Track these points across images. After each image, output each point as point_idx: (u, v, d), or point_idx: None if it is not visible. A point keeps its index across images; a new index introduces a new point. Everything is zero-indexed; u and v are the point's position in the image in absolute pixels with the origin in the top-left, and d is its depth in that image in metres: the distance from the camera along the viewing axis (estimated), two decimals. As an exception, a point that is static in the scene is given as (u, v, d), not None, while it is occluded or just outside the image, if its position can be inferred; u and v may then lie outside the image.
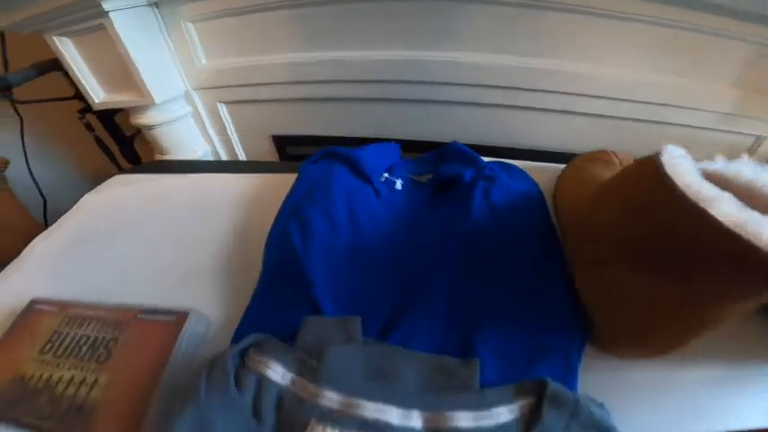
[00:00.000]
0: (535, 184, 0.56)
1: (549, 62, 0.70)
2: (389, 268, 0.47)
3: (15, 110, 0.99)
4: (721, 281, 0.27)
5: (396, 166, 0.61)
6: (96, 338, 0.42)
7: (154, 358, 0.39)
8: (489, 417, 0.31)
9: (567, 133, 0.80)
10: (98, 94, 0.89)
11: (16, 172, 1.06)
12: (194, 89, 0.92)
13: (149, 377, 0.38)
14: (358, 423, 0.30)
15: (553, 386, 0.31)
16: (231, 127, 0.99)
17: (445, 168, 0.57)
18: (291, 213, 0.53)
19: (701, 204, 0.25)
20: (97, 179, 0.77)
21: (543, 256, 0.45)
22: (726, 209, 0.24)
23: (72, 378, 0.39)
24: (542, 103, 0.76)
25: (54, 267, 0.60)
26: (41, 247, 0.65)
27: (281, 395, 0.32)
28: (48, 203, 1.13)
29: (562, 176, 0.55)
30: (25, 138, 1.05)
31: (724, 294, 0.28)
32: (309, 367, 0.33)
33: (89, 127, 1.08)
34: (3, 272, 0.60)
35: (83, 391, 0.38)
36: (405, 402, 0.31)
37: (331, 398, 0.32)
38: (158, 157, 1.00)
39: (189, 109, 0.95)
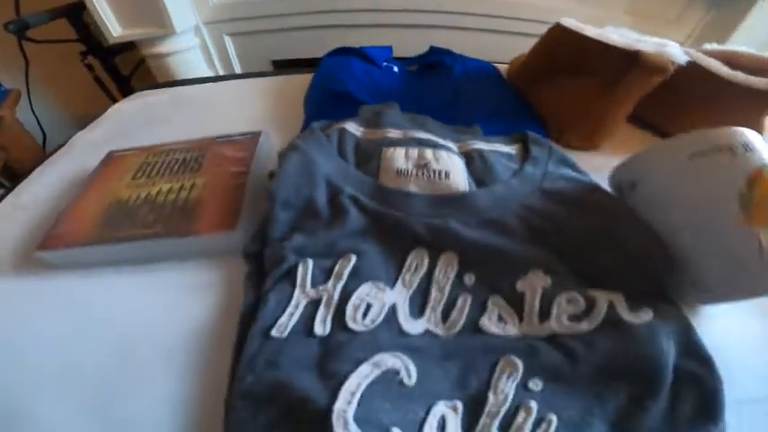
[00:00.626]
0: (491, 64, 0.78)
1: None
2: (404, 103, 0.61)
3: (23, 52, 1.03)
4: (608, 72, 0.51)
5: (390, 59, 0.80)
6: (185, 158, 0.50)
7: (239, 164, 0.47)
8: (497, 147, 0.46)
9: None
10: (115, 29, 0.95)
11: (19, 109, 1.09)
12: (204, 24, 1.00)
13: (237, 177, 0.46)
14: (416, 142, 0.43)
15: (533, 134, 0.47)
16: (234, 56, 1.06)
17: (428, 58, 0.78)
18: (325, 80, 0.67)
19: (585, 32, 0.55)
20: (95, 118, 0.83)
21: (505, 91, 0.67)
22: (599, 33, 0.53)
23: (170, 188, 0.45)
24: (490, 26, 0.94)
25: (104, 147, 0.66)
26: (85, 138, 0.71)
27: (357, 141, 0.44)
28: (47, 138, 1.16)
29: (510, 66, 0.77)
30: (29, 79, 1.08)
31: (608, 82, 0.51)
32: (373, 122, 0.46)
33: (89, 67, 1.12)
34: (48, 160, 0.66)
35: (183, 194, 0.44)
36: (442, 135, 0.45)
37: (393, 132, 0.44)
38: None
39: (197, 41, 1.02)
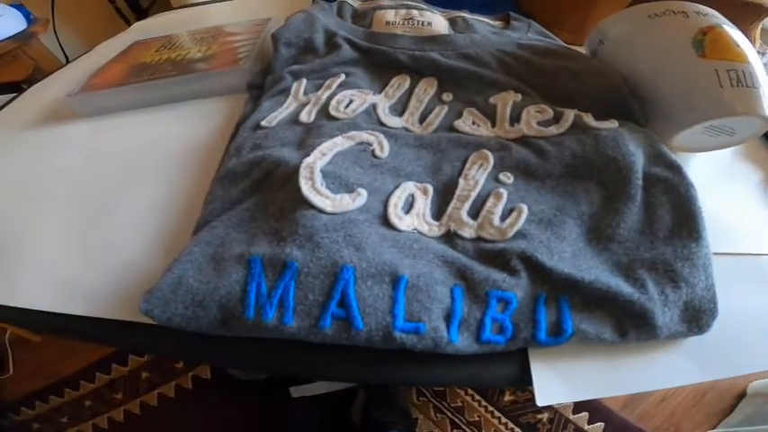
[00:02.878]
0: None
1: None
2: None
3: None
4: None
5: None
6: (202, 37, 0.56)
7: (250, 36, 0.53)
8: (482, 19, 0.48)
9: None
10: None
11: (45, 37, 1.17)
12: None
13: (249, 42, 0.51)
14: (405, 6, 0.46)
15: (514, 14, 0.49)
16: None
17: None
18: None
19: None
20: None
21: None
22: None
23: (189, 51, 0.52)
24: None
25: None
26: (109, 44, 0.77)
27: (355, 10, 0.48)
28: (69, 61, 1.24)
29: None
30: (55, 10, 1.15)
31: None
32: None
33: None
34: (76, 60, 0.72)
35: (199, 54, 0.50)
36: (430, 8, 0.48)
37: (387, 2, 0.48)
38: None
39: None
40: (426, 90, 0.39)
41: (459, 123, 0.34)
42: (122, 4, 1.21)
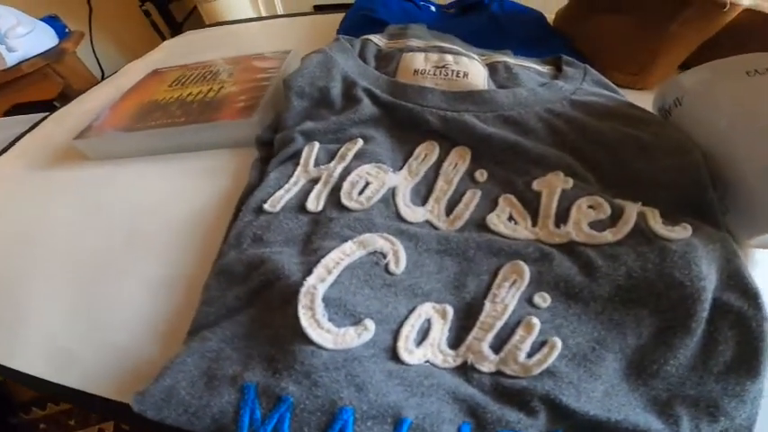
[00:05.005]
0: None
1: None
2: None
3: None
4: (662, 10, 0.45)
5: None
6: (219, 69, 0.52)
7: (267, 73, 0.48)
8: (527, 64, 0.42)
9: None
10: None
11: (82, 51, 1.18)
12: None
13: (263, 82, 0.47)
14: (438, 49, 0.41)
15: (566, 57, 0.43)
16: (278, 2, 1.08)
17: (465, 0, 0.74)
18: (359, 9, 0.67)
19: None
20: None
21: (545, 31, 0.62)
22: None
23: (200, 90, 0.47)
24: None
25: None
26: (136, 65, 0.75)
27: (379, 49, 0.43)
28: (104, 76, 1.25)
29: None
30: (92, 24, 1.16)
31: (661, 19, 0.46)
32: (397, 35, 0.46)
33: (147, 13, 1.19)
34: (102, 82, 0.71)
35: (210, 94, 0.46)
36: (467, 49, 0.43)
37: (416, 43, 0.43)
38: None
39: (244, -17, 1.04)
40: (457, 166, 0.32)
41: (492, 219, 0.28)
42: (158, 17, 1.21)
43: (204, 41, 0.84)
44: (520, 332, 0.22)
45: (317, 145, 0.34)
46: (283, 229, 0.27)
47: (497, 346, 0.22)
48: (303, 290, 0.22)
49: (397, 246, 0.25)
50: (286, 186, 0.30)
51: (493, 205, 0.29)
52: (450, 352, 0.22)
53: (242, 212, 0.29)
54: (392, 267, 0.25)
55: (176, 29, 1.23)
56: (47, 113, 0.61)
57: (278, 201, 0.29)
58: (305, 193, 0.30)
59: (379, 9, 0.65)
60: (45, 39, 1.02)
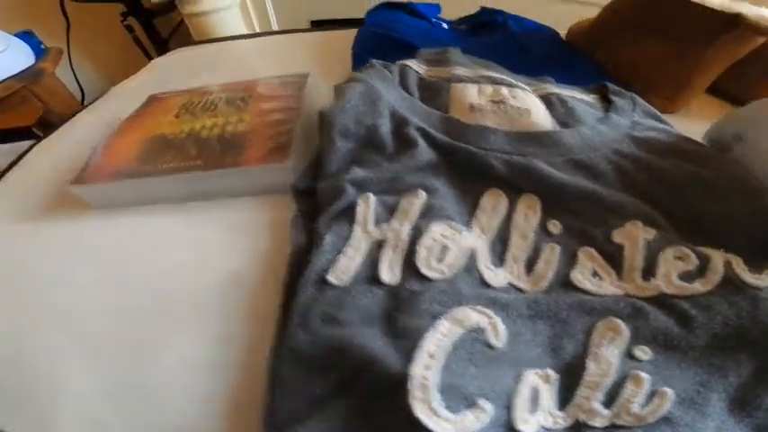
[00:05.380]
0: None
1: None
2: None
3: (64, 13, 1.03)
4: (699, 34, 0.46)
5: (438, 17, 0.75)
6: (230, 97, 0.46)
7: (286, 101, 0.43)
8: (575, 94, 0.40)
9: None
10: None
11: (59, 69, 1.10)
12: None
13: (286, 113, 0.42)
14: (488, 80, 0.38)
15: (613, 86, 0.41)
16: (273, 15, 1.03)
17: (477, 18, 0.72)
18: (377, 29, 0.63)
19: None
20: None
21: (568, 51, 0.61)
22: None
23: (215, 123, 0.42)
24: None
25: (145, 94, 0.64)
26: (124, 87, 0.69)
27: (421, 78, 0.40)
28: (85, 96, 1.17)
29: (573, 27, 0.71)
30: (70, 40, 1.08)
31: (698, 44, 0.46)
32: (436, 61, 0.43)
33: (129, 29, 1.11)
34: (88, 107, 0.64)
35: (229, 128, 0.41)
36: (514, 78, 0.40)
37: (461, 70, 0.40)
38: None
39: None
40: (527, 217, 0.29)
41: (577, 276, 0.26)
42: (141, 33, 1.14)
43: (197, 60, 0.78)
44: (630, 387, 0.22)
45: (372, 198, 0.29)
46: (358, 307, 0.24)
47: (607, 402, 0.22)
48: (415, 382, 0.20)
49: (494, 318, 0.24)
50: (347, 252, 0.26)
51: (572, 259, 0.28)
52: (560, 413, 0.22)
53: (302, 285, 0.25)
54: (493, 341, 0.23)
55: (162, 45, 1.17)
56: (31, 142, 0.54)
57: (343, 271, 0.25)
58: (372, 260, 0.26)
59: (398, 28, 0.62)
60: (20, 57, 0.91)
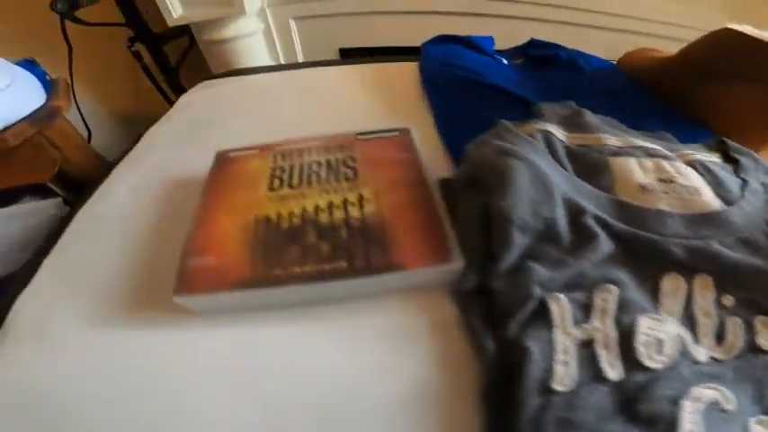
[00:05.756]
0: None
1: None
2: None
3: (66, 38, 0.93)
4: None
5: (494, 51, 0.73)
6: (329, 161, 0.41)
7: (405, 171, 0.39)
8: (705, 156, 0.39)
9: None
10: (176, 10, 0.85)
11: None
12: (268, 6, 0.90)
13: (412, 188, 0.37)
14: (643, 151, 0.37)
15: (731, 143, 0.40)
16: (298, 43, 0.97)
17: (536, 51, 0.69)
18: (443, 66, 0.61)
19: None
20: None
21: (641, 92, 0.59)
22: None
23: (330, 202, 0.36)
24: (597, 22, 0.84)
25: (187, 141, 0.58)
26: (161, 133, 0.62)
27: (567, 147, 0.37)
28: (91, 134, 1.06)
29: (625, 61, 0.69)
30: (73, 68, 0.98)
31: None
32: (574, 124, 0.40)
33: (137, 56, 1.03)
34: (129, 156, 0.58)
35: (353, 211, 0.35)
36: (653, 142, 0.39)
37: (611, 139, 0.38)
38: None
39: (261, 26, 0.93)
40: (704, 296, 0.30)
41: (761, 341, 0.28)
42: (149, 60, 1.05)
43: (233, 97, 0.72)
44: None
45: (563, 299, 0.28)
46: (591, 406, 0.25)
47: None
48: None
49: (720, 388, 0.26)
50: (560, 358, 0.26)
51: (750, 328, 0.29)
52: None
53: (522, 397, 0.25)
54: (728, 407, 0.25)
55: (171, 75, 1.08)
56: (55, 203, 0.47)
57: (564, 377, 0.26)
58: (588, 361, 0.27)
59: (471, 66, 0.59)
60: (30, 93, 0.76)
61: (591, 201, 0.32)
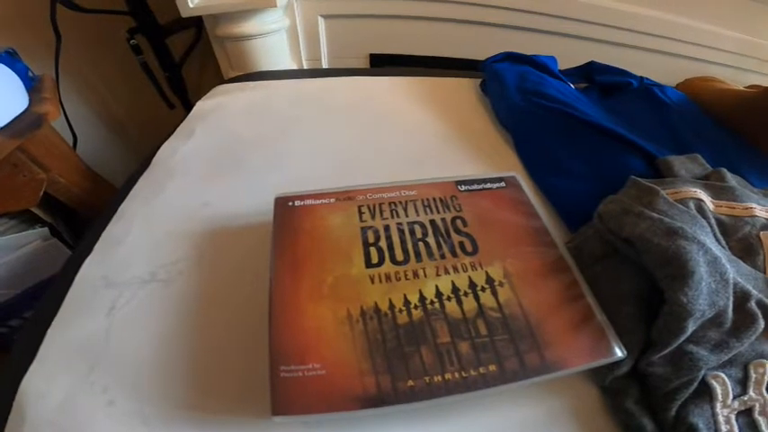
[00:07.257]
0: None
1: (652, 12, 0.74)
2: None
3: (54, 26, 0.80)
4: None
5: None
6: (433, 222, 0.33)
7: (527, 234, 0.33)
8: None
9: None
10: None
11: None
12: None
13: (543, 256, 0.31)
14: None
15: None
16: (324, 47, 0.87)
17: (604, 77, 0.64)
18: (525, 94, 0.54)
19: None
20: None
21: (720, 127, 0.55)
22: None
23: (454, 286, 0.29)
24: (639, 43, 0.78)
25: (220, 165, 0.50)
26: (183, 153, 0.52)
27: (716, 218, 0.34)
28: (78, 143, 0.93)
29: (689, 92, 0.65)
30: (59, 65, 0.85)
31: None
32: (716, 188, 0.36)
33: (137, 50, 0.89)
34: (145, 181, 0.48)
35: (486, 299, 0.29)
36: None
37: (758, 209, 0.35)
38: (231, 74, 0.85)
39: (287, 22, 0.82)
40: None
41: None
42: (149, 55, 0.92)
43: (265, 110, 0.63)
44: None
45: (722, 376, 0.28)
46: None
47: None
48: None
49: None
50: (723, 429, 0.27)
51: None
52: None
53: None
54: None
55: (173, 72, 0.96)
56: (41, 233, 0.39)
57: None
58: (749, 427, 0.27)
59: (557, 95, 0.52)
60: (8, 97, 0.59)
61: (749, 282, 0.30)
